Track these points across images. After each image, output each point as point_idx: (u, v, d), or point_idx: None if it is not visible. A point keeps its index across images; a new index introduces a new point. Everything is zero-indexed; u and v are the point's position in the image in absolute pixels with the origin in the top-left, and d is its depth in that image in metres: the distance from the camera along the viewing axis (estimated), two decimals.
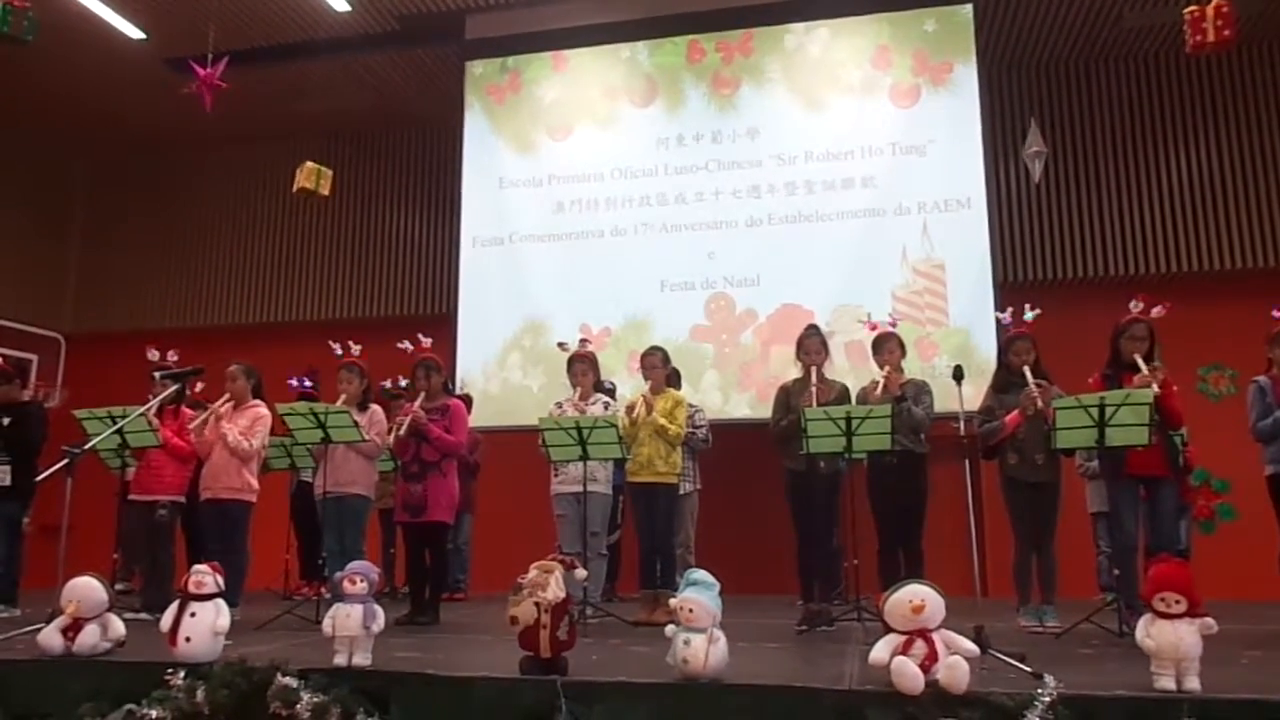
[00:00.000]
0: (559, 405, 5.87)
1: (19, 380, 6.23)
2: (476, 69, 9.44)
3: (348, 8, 8.83)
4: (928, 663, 2.69)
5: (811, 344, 5.35)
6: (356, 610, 3.31)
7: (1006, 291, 8.11)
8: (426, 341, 5.91)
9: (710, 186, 8.62)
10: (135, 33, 9.15)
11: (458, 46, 9.39)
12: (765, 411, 5.82)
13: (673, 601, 3.11)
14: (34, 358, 8.83)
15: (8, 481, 5.95)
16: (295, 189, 7.97)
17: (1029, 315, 5.20)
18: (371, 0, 8.77)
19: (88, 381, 10.10)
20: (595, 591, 5.65)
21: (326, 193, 7.96)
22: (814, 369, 5.24)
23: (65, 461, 4.51)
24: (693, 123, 8.82)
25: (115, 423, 5.38)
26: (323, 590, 5.30)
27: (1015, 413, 5.11)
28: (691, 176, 8.69)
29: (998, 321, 5.72)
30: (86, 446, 4.83)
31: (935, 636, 2.75)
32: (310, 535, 7.14)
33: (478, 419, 7.84)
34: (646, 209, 8.72)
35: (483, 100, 9.40)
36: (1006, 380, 5.24)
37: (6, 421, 6.01)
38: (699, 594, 3.01)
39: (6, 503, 5.98)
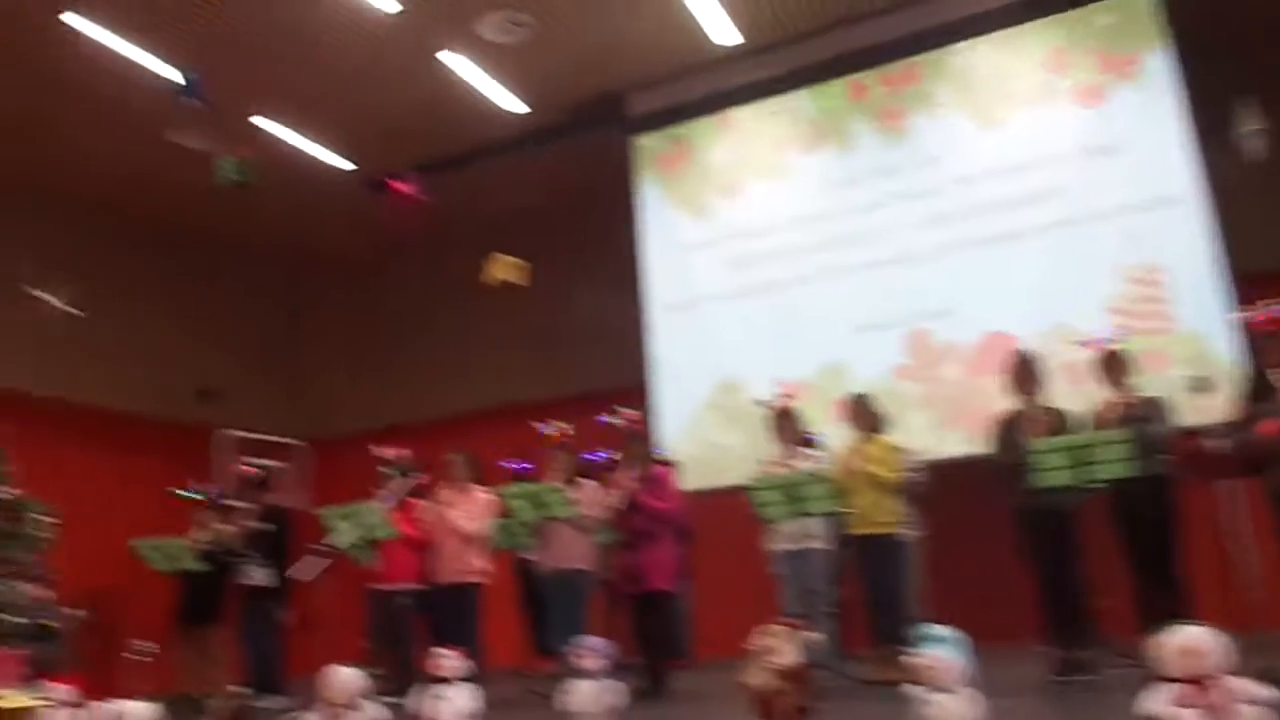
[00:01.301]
0: (766, 463, 5.80)
1: (268, 486, 6.78)
2: (644, 142, 9.69)
3: (525, 110, 9.32)
4: (1215, 715, 2.42)
5: (1023, 371, 5.07)
6: (594, 687, 3.35)
7: (1243, 285, 7.36)
8: (630, 413, 6.01)
9: (891, 220, 8.39)
10: (346, 164, 10.01)
11: (621, 125, 9.70)
12: (980, 448, 5.52)
13: (912, 659, 2.96)
14: (273, 464, 9.65)
15: (266, 582, 6.46)
16: (490, 281, 8.35)
17: (1266, 309, 4.66)
18: (539, 97, 9.22)
19: (324, 482, 10.96)
20: (825, 652, 5.47)
21: (524, 283, 8.30)
22: (1030, 397, 4.94)
23: (320, 561, 4.85)
24: (864, 159, 8.66)
25: (354, 520, 5.75)
26: (554, 666, 5.40)
27: (1272, 421, 4.60)
28: (869, 214, 8.50)
29: (1236, 321, 5.19)
30: (335, 545, 5.17)
31: (1220, 683, 2.47)
32: (538, 611, 7.33)
33: (685, 483, 7.86)
34: (828, 253, 8.59)
35: (654, 170, 9.63)
36: (1261, 385, 4.71)
37: (261, 527, 6.55)
38: (941, 649, 2.85)
39: (267, 601, 6.48)
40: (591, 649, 3.42)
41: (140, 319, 11.19)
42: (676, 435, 8.91)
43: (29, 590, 6.67)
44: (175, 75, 6.96)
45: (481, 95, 9.10)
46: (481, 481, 6.11)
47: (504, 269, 8.21)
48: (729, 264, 9.05)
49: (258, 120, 9.21)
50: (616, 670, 3.79)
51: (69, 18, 7.51)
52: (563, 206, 11.30)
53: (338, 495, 7.17)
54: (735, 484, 6.19)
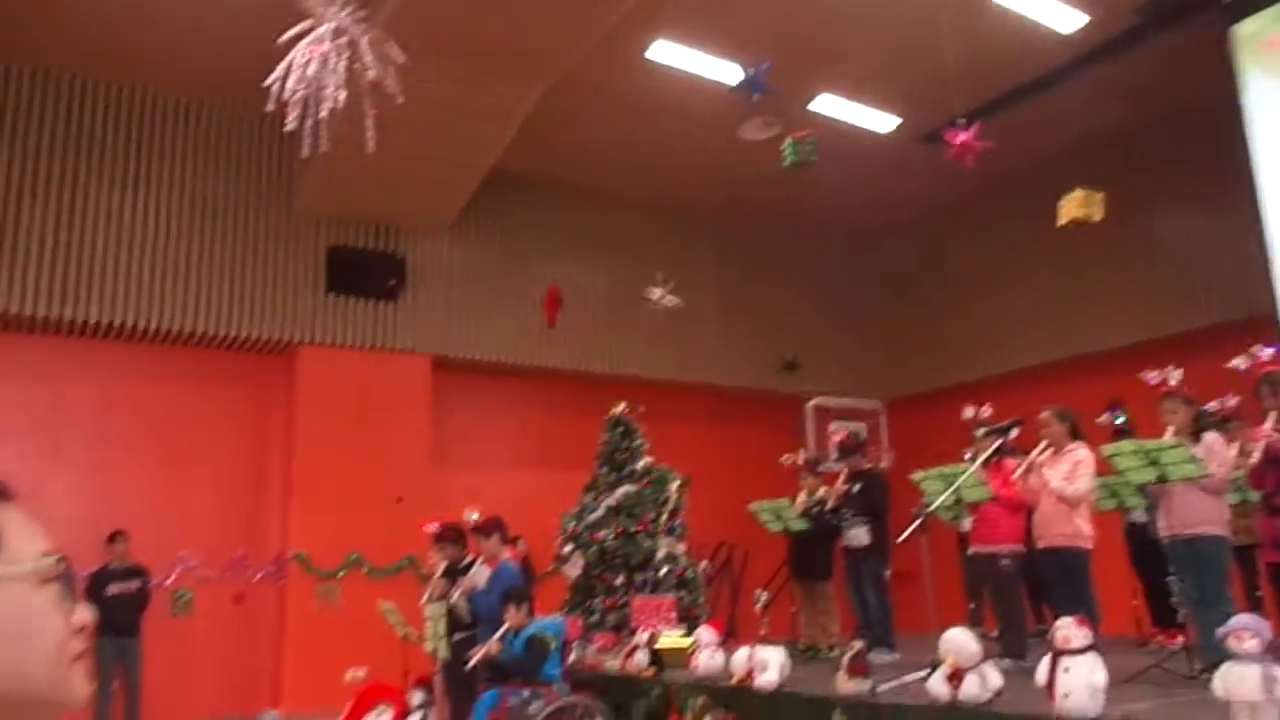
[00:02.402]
0: None
1: (861, 451, 7.13)
2: (1247, 28, 8.21)
3: (1082, 22, 8.51)
4: None
5: None
6: (1252, 671, 2.97)
7: None
8: (1266, 351, 5.18)
9: None
10: (894, 121, 10.10)
11: (1215, 11, 8.32)
12: None
13: None
14: (863, 426, 10.09)
15: (867, 541, 6.80)
16: (1063, 221, 7.81)
17: None
18: (1104, 6, 8.32)
19: (906, 442, 11.20)
20: None
21: (1099, 217, 7.63)
22: None
23: (918, 523, 4.99)
24: None
25: (947, 481, 5.79)
26: (1178, 639, 4.89)
27: None
28: None
29: None
30: (931, 508, 5.27)
31: None
32: (1154, 579, 6.70)
33: None
34: None
35: (1261, 61, 8.12)
36: None
37: (857, 488, 6.91)
38: None
39: (869, 560, 6.82)
40: (1248, 628, 3.02)
41: (726, 304, 12.49)
42: None
43: (670, 545, 7.85)
44: (740, 73, 7.58)
45: (1030, 21, 8.50)
46: (1079, 437, 5.73)
47: (1076, 205, 7.64)
48: None
49: (816, 99, 9.68)
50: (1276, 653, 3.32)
51: (659, 46, 8.63)
52: (1142, 124, 10.10)
53: (919, 456, 7.30)
54: None
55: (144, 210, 9.15)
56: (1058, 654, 3.57)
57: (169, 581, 8.84)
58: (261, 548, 9.58)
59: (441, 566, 6.59)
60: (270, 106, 5.16)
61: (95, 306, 8.75)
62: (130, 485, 9.07)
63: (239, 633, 9.31)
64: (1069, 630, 3.58)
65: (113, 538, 8.49)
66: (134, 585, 8.48)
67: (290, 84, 5.11)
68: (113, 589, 8.31)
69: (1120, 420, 7.19)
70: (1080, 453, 5.63)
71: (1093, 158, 10.43)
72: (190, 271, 9.24)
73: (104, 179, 9.01)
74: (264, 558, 9.55)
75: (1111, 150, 10.42)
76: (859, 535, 6.85)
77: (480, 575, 6.30)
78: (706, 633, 6.00)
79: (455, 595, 6.25)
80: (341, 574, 9.37)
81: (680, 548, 7.99)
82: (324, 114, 5.18)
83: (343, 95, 5.16)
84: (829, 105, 9.80)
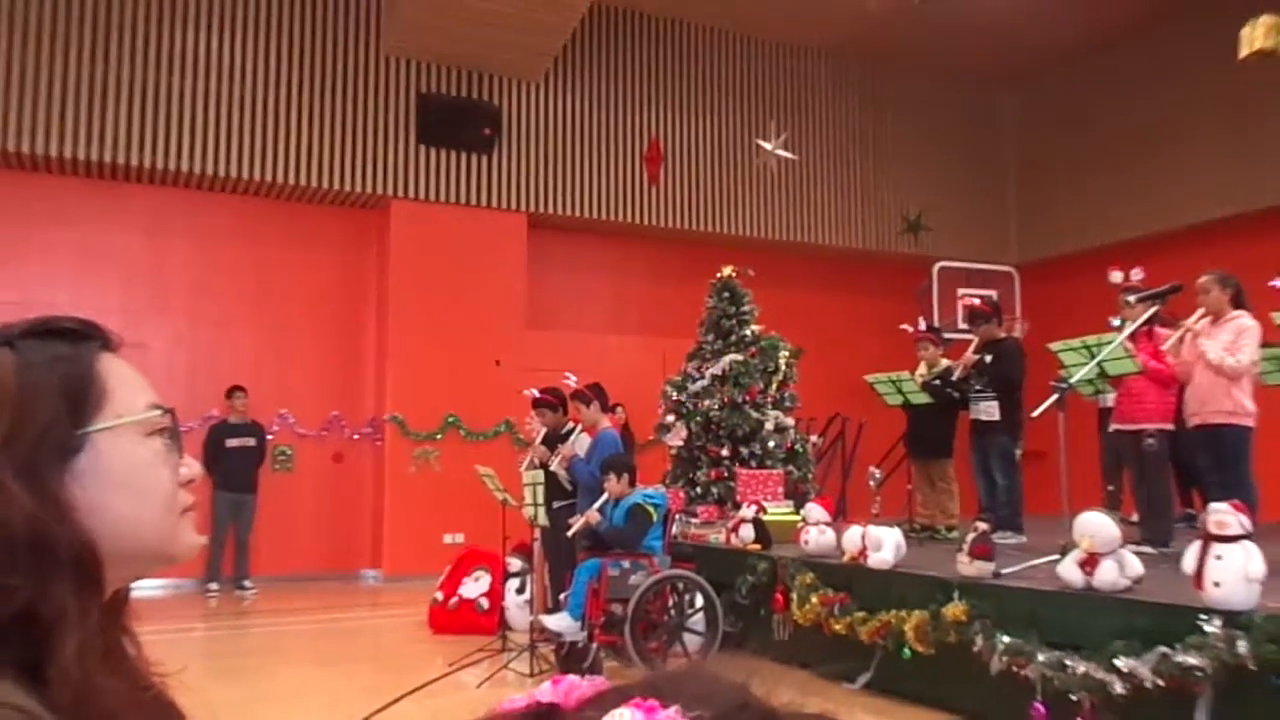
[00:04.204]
0: None
1: (996, 319, 6.87)
2: None
3: None
4: None
5: None
6: None
7: None
8: None
9: None
10: None
11: None
12: None
13: None
14: (994, 293, 9.75)
15: (996, 416, 6.63)
16: (1245, 55, 7.18)
17: None
18: None
19: (1041, 309, 10.80)
20: None
21: None
22: None
23: (1055, 397, 4.82)
24: None
25: (1090, 352, 5.55)
26: None
27: None
28: None
29: None
30: (1072, 381, 5.07)
31: None
32: None
33: None
34: None
35: None
36: None
37: (989, 359, 6.70)
38: None
39: (998, 436, 6.67)
40: None
41: (845, 157, 12.07)
42: None
43: (778, 418, 7.83)
44: None
45: None
46: (1241, 306, 5.40)
47: (1264, 33, 7.02)
48: None
49: None
50: None
51: None
52: None
53: (1057, 326, 7.01)
54: None
55: (230, 53, 9.24)
56: (1209, 540, 3.44)
57: (269, 438, 9.32)
58: (358, 408, 9.97)
59: (541, 433, 6.73)
60: None
61: (185, 155, 8.98)
62: (230, 340, 9.49)
63: (339, 492, 9.81)
64: (1224, 514, 3.43)
65: (231, 392, 8.98)
66: (251, 441, 9.00)
67: None
68: (231, 443, 8.85)
69: None
70: (1244, 320, 5.32)
71: None
72: (281, 119, 9.38)
73: (189, 20, 9.10)
74: (360, 418, 9.94)
75: None
76: (988, 409, 6.68)
77: (580, 443, 6.42)
78: (816, 509, 6.02)
79: (554, 462, 6.40)
80: (439, 436, 9.71)
81: (789, 420, 7.97)
82: None
83: None
84: None
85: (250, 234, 9.63)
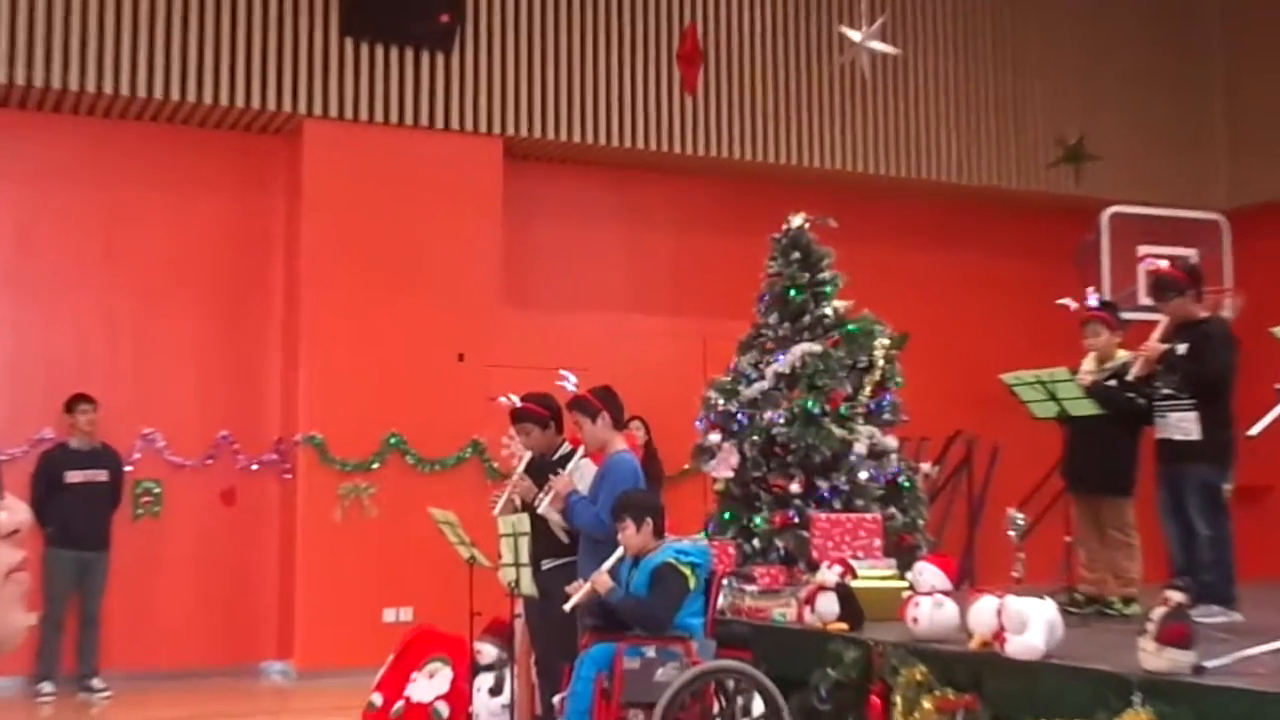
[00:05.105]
0: None
1: (1194, 290, 6.80)
2: None
3: None
4: None
5: None
6: None
7: None
8: None
9: None
10: None
11: None
12: None
13: None
14: (1193, 252, 9.65)
15: (1196, 434, 6.56)
16: None
17: None
18: None
19: (1261, 277, 10.70)
20: None
21: None
22: None
23: None
24: None
25: None
26: None
27: None
28: None
29: None
30: None
31: None
32: None
33: None
34: None
35: None
36: None
37: (1183, 349, 6.63)
38: None
39: (1199, 464, 6.60)
40: None
41: (968, 56, 12.04)
42: None
43: (873, 436, 7.79)
44: None
45: None
46: None
47: None
48: None
49: None
50: None
51: None
52: None
53: None
54: None
55: None
56: None
57: (128, 469, 9.30)
58: (257, 425, 9.98)
59: (524, 459, 6.71)
60: None
61: (2, 61, 8.98)
62: (69, 324, 9.51)
63: (230, 548, 9.83)
64: None
65: (72, 403, 8.92)
66: (101, 474, 8.96)
67: None
68: (73, 477, 8.81)
69: None
70: None
71: None
72: (141, 8, 9.30)
73: None
74: (261, 441, 9.95)
75: None
76: (1184, 424, 6.63)
77: (582, 473, 6.39)
78: (930, 571, 5.98)
79: (544, 502, 6.37)
80: (375, 466, 9.71)
81: (890, 441, 7.95)
82: None
83: None
84: None
85: (99, 169, 9.66)
